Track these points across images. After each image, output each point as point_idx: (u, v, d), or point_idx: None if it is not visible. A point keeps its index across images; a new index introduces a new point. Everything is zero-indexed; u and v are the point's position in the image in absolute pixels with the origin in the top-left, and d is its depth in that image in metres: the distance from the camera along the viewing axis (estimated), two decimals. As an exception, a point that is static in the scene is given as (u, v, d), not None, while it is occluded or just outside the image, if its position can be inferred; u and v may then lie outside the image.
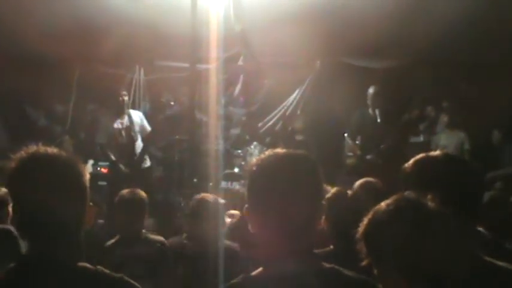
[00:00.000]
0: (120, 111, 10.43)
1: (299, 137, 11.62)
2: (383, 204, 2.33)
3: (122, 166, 10.23)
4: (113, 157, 10.31)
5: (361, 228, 2.37)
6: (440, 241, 2.21)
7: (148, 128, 10.70)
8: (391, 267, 2.26)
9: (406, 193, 2.34)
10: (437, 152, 2.88)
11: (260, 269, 2.39)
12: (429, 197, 2.29)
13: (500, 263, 2.58)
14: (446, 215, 2.25)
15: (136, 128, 10.48)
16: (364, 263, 2.34)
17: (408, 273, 2.22)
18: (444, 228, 2.23)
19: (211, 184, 10.41)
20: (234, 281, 2.41)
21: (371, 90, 10.41)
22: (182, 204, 9.90)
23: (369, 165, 9.97)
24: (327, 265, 2.39)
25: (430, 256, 2.19)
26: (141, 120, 10.68)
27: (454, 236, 2.25)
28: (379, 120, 10.15)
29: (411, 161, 2.85)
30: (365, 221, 2.36)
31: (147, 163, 10.69)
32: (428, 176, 2.68)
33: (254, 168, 2.39)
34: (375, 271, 2.34)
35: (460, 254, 2.28)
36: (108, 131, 10.44)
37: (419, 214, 2.25)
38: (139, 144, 10.48)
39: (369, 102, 10.46)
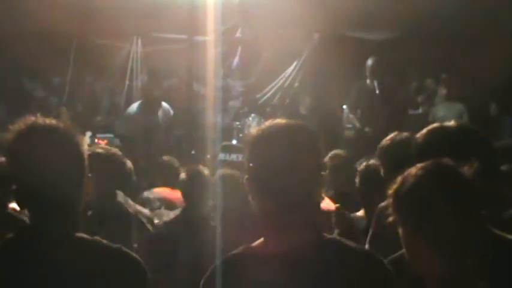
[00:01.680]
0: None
1: (297, 110, 11.61)
2: (418, 165, 2.32)
3: (141, 161, 10.18)
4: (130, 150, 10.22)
5: (392, 185, 2.36)
6: (462, 212, 2.20)
7: (171, 112, 10.67)
8: (414, 230, 2.27)
9: (446, 160, 2.31)
10: (451, 122, 2.84)
11: (261, 239, 2.39)
12: (466, 167, 2.27)
13: (510, 237, 2.57)
14: (477, 186, 2.23)
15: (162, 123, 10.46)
16: (390, 219, 2.34)
17: (429, 238, 2.22)
18: (470, 200, 2.22)
19: (209, 156, 10.41)
20: (235, 251, 2.42)
21: (369, 61, 10.38)
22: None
23: (367, 138, 9.98)
24: (328, 236, 2.39)
25: (452, 225, 2.19)
26: (167, 113, 10.64)
27: (479, 209, 2.24)
28: (377, 92, 10.14)
29: (424, 131, 2.80)
30: (398, 179, 2.35)
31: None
32: (442, 146, 2.64)
33: (254, 138, 2.38)
34: (400, 230, 2.34)
35: (480, 227, 2.27)
36: (133, 123, 10.34)
37: (448, 181, 2.24)
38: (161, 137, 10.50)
39: (367, 74, 10.44)
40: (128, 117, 10.42)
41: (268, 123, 2.41)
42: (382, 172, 4.02)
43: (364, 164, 5.00)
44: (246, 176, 2.39)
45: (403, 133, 4.13)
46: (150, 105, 10.29)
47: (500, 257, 2.45)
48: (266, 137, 2.34)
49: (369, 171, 4.86)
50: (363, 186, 4.92)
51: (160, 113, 10.40)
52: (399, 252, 2.43)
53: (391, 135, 4.14)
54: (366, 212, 4.86)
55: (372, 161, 4.91)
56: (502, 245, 2.53)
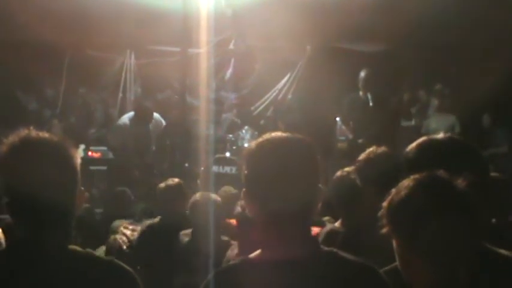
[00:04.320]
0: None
1: (290, 122, 11.61)
2: (410, 177, 2.32)
3: (136, 172, 10.26)
4: (128, 163, 10.33)
5: (386, 197, 2.36)
6: (454, 223, 2.20)
7: (163, 123, 10.72)
8: (405, 241, 2.28)
9: (439, 172, 2.31)
10: (440, 135, 2.84)
11: (258, 251, 2.39)
12: (460, 179, 2.28)
13: (504, 252, 2.56)
14: (470, 198, 2.23)
15: (154, 134, 10.54)
16: (383, 230, 2.34)
17: (420, 249, 2.22)
18: (465, 212, 2.21)
19: (202, 169, 10.40)
20: (232, 262, 2.42)
21: (362, 73, 10.41)
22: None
23: (361, 149, 9.97)
24: (325, 248, 2.39)
25: (445, 239, 2.19)
26: (159, 124, 10.71)
27: (471, 221, 2.24)
28: (371, 104, 10.16)
29: (414, 145, 2.80)
30: (392, 191, 2.35)
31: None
32: (433, 159, 2.63)
33: (252, 151, 2.39)
34: (393, 242, 2.35)
35: (473, 241, 2.28)
36: (124, 135, 10.37)
37: (440, 192, 2.24)
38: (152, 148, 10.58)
39: (360, 86, 10.46)
40: (119, 128, 10.44)
41: (266, 136, 2.41)
42: (360, 186, 4.01)
43: (340, 171, 4.82)
44: (244, 189, 2.40)
45: (380, 148, 4.12)
46: (141, 116, 10.31)
47: (495, 274, 2.45)
48: (264, 150, 2.35)
49: (346, 179, 4.69)
50: (340, 195, 4.71)
51: (151, 123, 10.43)
52: (395, 263, 2.44)
53: (368, 150, 4.13)
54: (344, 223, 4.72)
55: (348, 168, 4.76)
56: (498, 261, 2.53)
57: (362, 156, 4.10)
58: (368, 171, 3.92)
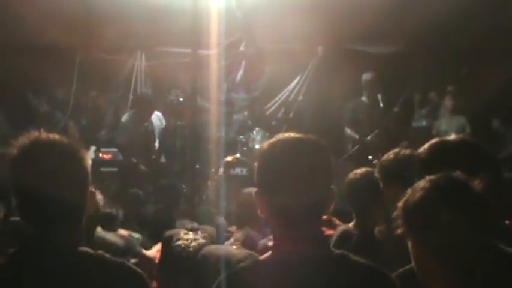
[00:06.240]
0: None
1: (302, 123, 11.60)
2: (427, 178, 2.32)
3: (142, 167, 10.34)
4: (134, 159, 10.43)
5: (402, 198, 2.36)
6: (469, 224, 2.19)
7: (164, 122, 10.83)
8: (421, 241, 2.27)
9: (456, 173, 2.31)
10: (452, 136, 2.83)
11: (269, 253, 2.38)
12: (477, 181, 2.27)
13: None
14: (485, 200, 2.23)
15: (156, 130, 10.63)
16: (399, 231, 2.33)
17: (435, 250, 2.22)
18: (480, 213, 2.21)
19: (213, 170, 10.40)
20: (242, 264, 2.41)
21: (366, 77, 10.48)
22: (185, 190, 9.89)
23: (369, 148, 10.06)
24: (336, 251, 2.38)
25: (460, 240, 2.18)
26: (160, 120, 10.82)
27: (486, 223, 2.23)
28: (381, 105, 10.17)
29: (426, 146, 2.80)
30: (408, 192, 2.35)
31: (163, 159, 10.90)
32: (445, 161, 2.62)
33: (264, 152, 2.37)
34: (408, 243, 2.34)
35: (487, 242, 2.27)
36: (128, 132, 10.46)
37: (455, 194, 2.24)
38: (156, 144, 10.66)
39: (366, 88, 10.52)
40: (123, 126, 10.57)
41: (279, 136, 2.40)
42: (381, 186, 3.98)
43: (354, 172, 4.80)
44: (256, 190, 2.38)
45: (404, 149, 4.09)
46: (140, 113, 10.45)
47: (503, 272, 2.44)
48: (276, 150, 2.34)
49: (363, 179, 4.69)
50: (355, 195, 4.71)
51: (150, 121, 10.58)
52: (407, 267, 2.43)
53: (393, 150, 4.10)
54: (358, 223, 4.73)
55: (360, 170, 4.75)
56: (506, 259, 2.51)
57: (387, 155, 4.06)
58: (392, 171, 3.88)
